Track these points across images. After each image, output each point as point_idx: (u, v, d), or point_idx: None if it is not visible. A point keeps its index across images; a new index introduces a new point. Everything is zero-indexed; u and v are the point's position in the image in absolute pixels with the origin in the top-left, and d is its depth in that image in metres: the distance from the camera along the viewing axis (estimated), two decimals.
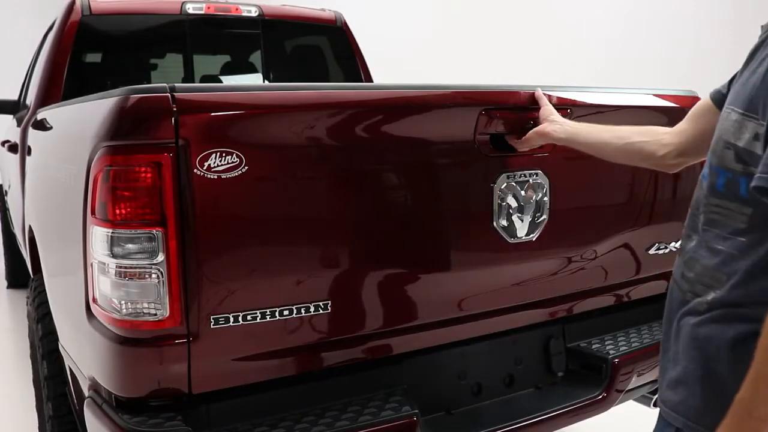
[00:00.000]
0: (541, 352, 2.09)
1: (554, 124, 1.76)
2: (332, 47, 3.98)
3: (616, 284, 2.23)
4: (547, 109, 1.81)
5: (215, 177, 1.43)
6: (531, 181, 1.88)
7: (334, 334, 1.68)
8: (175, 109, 1.40)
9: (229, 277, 1.50)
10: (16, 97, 4.14)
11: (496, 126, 1.81)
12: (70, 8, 3.26)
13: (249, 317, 1.52)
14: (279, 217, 1.55)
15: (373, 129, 1.67)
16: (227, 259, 1.49)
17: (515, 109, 1.85)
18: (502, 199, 1.83)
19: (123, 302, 1.46)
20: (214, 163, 1.42)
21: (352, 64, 3.98)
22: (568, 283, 2.08)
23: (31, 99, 3.29)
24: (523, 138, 1.81)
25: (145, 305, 1.45)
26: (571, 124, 1.77)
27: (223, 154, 1.43)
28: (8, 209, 4.49)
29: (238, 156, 1.44)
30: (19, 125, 3.27)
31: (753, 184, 1.06)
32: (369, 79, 4.03)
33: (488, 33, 6.36)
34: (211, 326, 1.49)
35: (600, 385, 2.04)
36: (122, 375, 1.51)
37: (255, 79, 3.92)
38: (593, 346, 2.12)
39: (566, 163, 1.95)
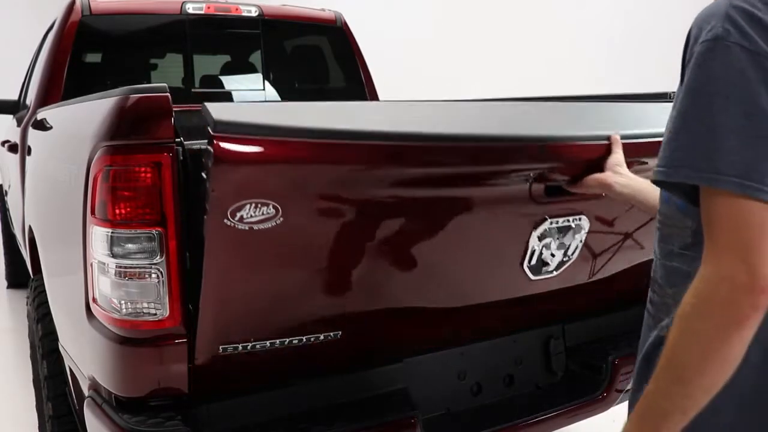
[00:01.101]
0: (541, 352, 2.09)
1: (618, 177, 1.61)
2: (332, 47, 3.98)
3: (620, 291, 2.22)
4: (616, 158, 1.64)
5: (247, 228, 1.33)
6: (573, 225, 1.79)
7: (342, 358, 1.69)
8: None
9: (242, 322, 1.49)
10: (16, 97, 4.14)
11: (555, 178, 1.66)
12: (70, 8, 3.26)
13: (258, 346, 1.52)
14: (311, 261, 1.50)
15: (421, 183, 1.51)
16: (236, 287, 1.46)
17: (582, 162, 1.66)
18: (540, 242, 1.74)
19: (123, 302, 1.46)
20: (247, 214, 1.32)
21: (352, 65, 3.98)
22: (573, 298, 2.06)
23: (31, 99, 3.29)
24: (581, 182, 1.65)
25: (145, 305, 1.45)
26: (636, 181, 1.60)
27: (258, 206, 1.32)
28: (8, 209, 4.49)
29: (274, 207, 1.34)
30: (19, 125, 3.27)
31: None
32: (369, 79, 4.03)
33: (488, 33, 6.36)
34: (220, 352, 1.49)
35: (600, 385, 2.04)
36: (122, 375, 1.51)
37: (255, 79, 3.92)
38: (593, 346, 2.12)
39: (608, 204, 1.78)
